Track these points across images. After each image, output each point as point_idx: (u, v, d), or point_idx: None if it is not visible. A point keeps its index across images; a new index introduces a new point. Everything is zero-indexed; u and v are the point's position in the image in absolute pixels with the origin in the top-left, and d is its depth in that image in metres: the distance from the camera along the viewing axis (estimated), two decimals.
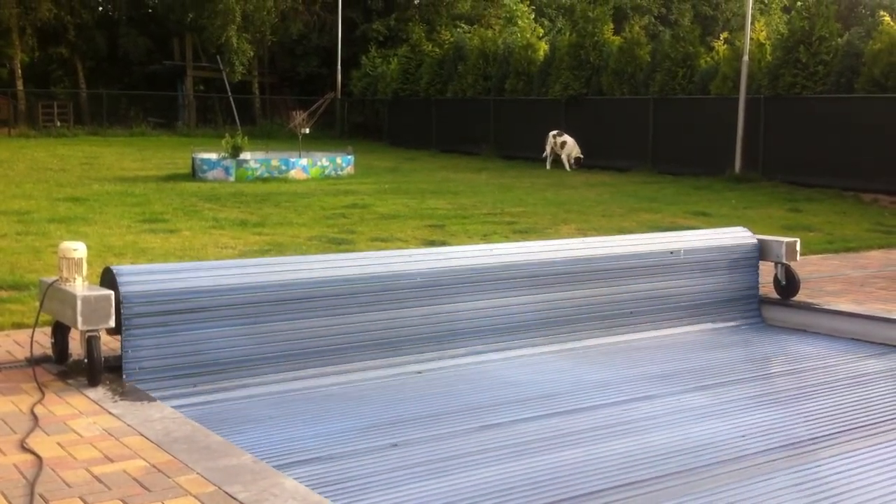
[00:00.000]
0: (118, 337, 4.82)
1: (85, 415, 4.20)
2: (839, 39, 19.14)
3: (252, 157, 19.09)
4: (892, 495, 3.68)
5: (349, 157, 20.20)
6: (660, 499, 3.62)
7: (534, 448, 4.18)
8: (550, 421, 4.59)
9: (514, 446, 4.20)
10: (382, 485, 3.74)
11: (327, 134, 34.40)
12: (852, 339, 6.45)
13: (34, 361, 4.94)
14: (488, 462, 4.00)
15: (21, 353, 5.18)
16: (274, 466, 3.66)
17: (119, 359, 4.80)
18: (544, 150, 23.09)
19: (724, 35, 23.85)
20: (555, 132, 22.98)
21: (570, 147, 22.49)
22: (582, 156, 22.36)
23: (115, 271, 4.83)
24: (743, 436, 4.37)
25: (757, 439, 4.34)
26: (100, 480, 3.45)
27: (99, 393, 4.50)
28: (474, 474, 3.85)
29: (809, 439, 4.35)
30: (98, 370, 4.62)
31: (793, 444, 4.30)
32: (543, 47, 26.48)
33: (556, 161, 22.87)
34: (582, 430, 4.46)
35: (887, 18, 18.33)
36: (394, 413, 4.68)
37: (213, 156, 18.71)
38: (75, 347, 4.98)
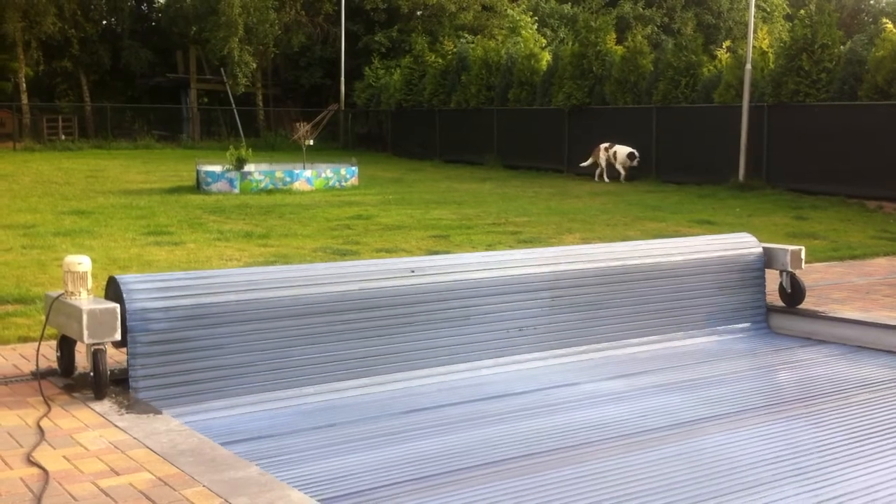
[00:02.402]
0: (124, 350, 4.83)
1: (91, 428, 4.20)
2: (842, 47, 19.15)
3: (256, 169, 19.13)
4: (758, 463, 4.16)
5: (353, 168, 20.23)
6: (555, 465, 4.12)
7: (458, 427, 4.70)
8: (478, 406, 5.07)
9: (440, 425, 4.72)
10: (315, 457, 4.23)
11: (331, 145, 34.48)
12: (857, 346, 6.44)
13: (40, 375, 4.95)
14: (414, 438, 4.52)
15: (27, 367, 5.19)
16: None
17: (125, 371, 4.81)
18: (588, 161, 22.33)
19: (726, 43, 23.88)
20: (606, 144, 22.04)
21: (622, 155, 21.70)
22: (635, 150, 21.55)
23: (120, 282, 4.83)
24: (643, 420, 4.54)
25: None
26: (106, 494, 3.45)
27: (105, 406, 4.51)
28: (399, 447, 4.38)
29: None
30: (104, 383, 4.63)
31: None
32: (546, 57, 26.53)
33: (594, 172, 22.31)
34: (505, 412, 4.94)
35: (890, 26, 18.33)
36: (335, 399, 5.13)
37: (217, 168, 18.75)
38: (81, 361, 4.98)
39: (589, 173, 22.43)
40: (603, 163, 22.13)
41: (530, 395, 5.28)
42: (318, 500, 3.61)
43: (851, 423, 4.78)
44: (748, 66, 19.67)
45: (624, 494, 3.79)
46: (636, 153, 21.51)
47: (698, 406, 5.09)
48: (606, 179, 21.94)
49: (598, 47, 24.07)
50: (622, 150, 21.71)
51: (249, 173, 18.58)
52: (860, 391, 5.42)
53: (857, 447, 4.39)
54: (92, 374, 4.64)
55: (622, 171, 21.76)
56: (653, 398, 5.23)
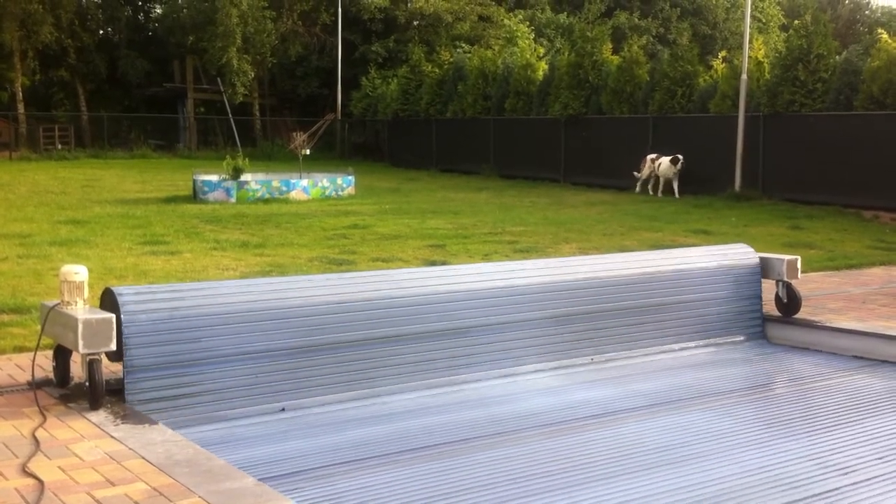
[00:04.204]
0: (120, 360, 4.81)
1: (86, 438, 4.19)
2: (837, 57, 19.20)
3: (253, 179, 19.14)
4: (668, 445, 4.59)
5: (350, 177, 20.24)
6: (483, 448, 4.55)
7: (401, 416, 5.06)
8: (423, 398, 5.38)
9: (386, 414, 5.09)
10: (264, 442, 4.59)
11: (328, 155, 34.49)
12: (853, 356, 6.45)
13: (36, 385, 4.94)
14: (359, 426, 4.87)
15: (23, 377, 5.18)
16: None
17: (121, 381, 4.79)
18: (639, 173, 21.17)
19: (722, 54, 23.90)
20: (652, 155, 20.81)
21: (665, 168, 20.42)
22: (678, 155, 20.26)
23: (116, 293, 4.82)
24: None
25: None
26: None
27: (100, 416, 4.49)
28: (345, 434, 4.72)
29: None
30: (99, 393, 4.62)
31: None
32: (543, 67, 26.58)
33: (644, 186, 21.19)
34: (447, 404, 5.29)
35: (885, 36, 18.39)
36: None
37: (213, 177, 18.75)
38: (77, 371, 4.97)
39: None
40: (646, 174, 21.03)
41: (470, 385, 5.60)
42: (260, 479, 3.78)
43: (761, 415, 5.21)
44: (744, 77, 19.72)
45: (534, 473, 4.18)
46: (679, 157, 20.25)
47: (627, 399, 5.45)
48: (651, 192, 20.86)
49: (595, 57, 24.12)
50: (665, 160, 20.50)
51: (246, 183, 18.58)
52: (792, 386, 5.88)
53: (754, 435, 4.77)
54: (87, 384, 4.64)
55: (673, 182, 20.40)
56: (584, 393, 5.57)
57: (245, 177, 18.83)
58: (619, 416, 5.08)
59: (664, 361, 6.35)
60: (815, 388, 5.78)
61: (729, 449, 4.53)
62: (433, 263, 9.85)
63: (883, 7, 51.86)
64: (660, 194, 20.66)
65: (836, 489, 3.98)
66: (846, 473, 4.18)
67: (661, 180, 20.71)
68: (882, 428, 4.89)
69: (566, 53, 26.81)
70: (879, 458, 4.39)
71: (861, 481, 4.07)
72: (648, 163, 20.98)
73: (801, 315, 7.01)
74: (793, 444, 4.61)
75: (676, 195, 20.16)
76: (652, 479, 4.08)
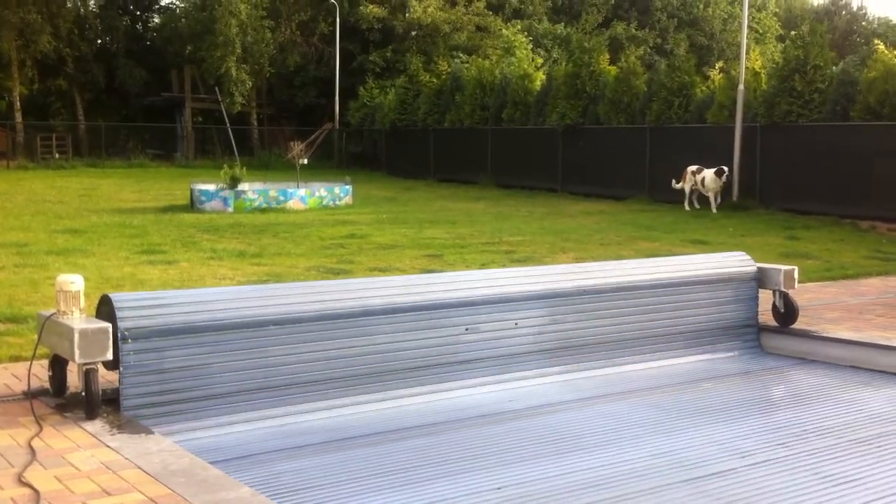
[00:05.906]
0: (116, 370, 4.80)
1: (82, 448, 4.18)
2: (834, 68, 19.26)
3: (250, 188, 19.15)
4: (599, 431, 4.99)
5: (347, 187, 20.25)
6: (420, 435, 4.89)
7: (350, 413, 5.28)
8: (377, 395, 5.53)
9: (343, 402, 5.31)
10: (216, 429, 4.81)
11: (325, 164, 34.53)
12: (850, 366, 6.44)
13: (32, 394, 4.93)
14: (312, 419, 5.13)
15: (19, 387, 5.17)
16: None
17: (117, 391, 4.78)
18: (679, 184, 19.95)
19: (719, 64, 24.00)
20: (693, 168, 19.65)
21: (710, 181, 19.34)
22: (724, 167, 19.31)
23: (112, 301, 4.81)
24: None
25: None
26: None
27: (97, 426, 4.49)
28: (306, 419, 5.07)
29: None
30: (96, 403, 4.61)
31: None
32: (540, 77, 26.64)
33: (690, 201, 19.94)
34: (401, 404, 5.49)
35: (881, 47, 18.44)
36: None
37: (211, 187, 18.76)
38: (73, 380, 4.96)
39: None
40: (688, 188, 19.88)
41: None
42: (210, 463, 4.02)
43: (692, 407, 5.50)
44: (741, 87, 19.75)
45: (464, 456, 4.54)
46: (724, 169, 19.24)
47: (574, 393, 5.75)
48: (691, 206, 19.86)
49: (592, 68, 24.16)
50: (709, 173, 19.38)
51: (243, 192, 18.59)
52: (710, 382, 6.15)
53: (674, 424, 5.12)
54: (84, 393, 4.62)
55: (712, 198, 19.34)
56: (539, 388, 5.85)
57: (242, 186, 18.85)
58: (558, 408, 5.43)
59: (652, 369, 6.34)
60: (772, 386, 6.08)
61: (644, 435, 4.91)
62: (430, 273, 9.84)
63: (879, 18, 52.03)
64: (714, 209, 19.16)
65: (732, 469, 4.35)
66: (744, 456, 4.55)
67: (711, 194, 19.48)
68: (802, 419, 5.18)
69: (563, 63, 26.92)
70: (782, 444, 4.73)
71: (757, 463, 4.45)
72: (689, 175, 19.88)
73: (796, 325, 7.01)
74: (705, 431, 4.98)
75: (714, 209, 19.11)
76: (569, 460, 4.49)
